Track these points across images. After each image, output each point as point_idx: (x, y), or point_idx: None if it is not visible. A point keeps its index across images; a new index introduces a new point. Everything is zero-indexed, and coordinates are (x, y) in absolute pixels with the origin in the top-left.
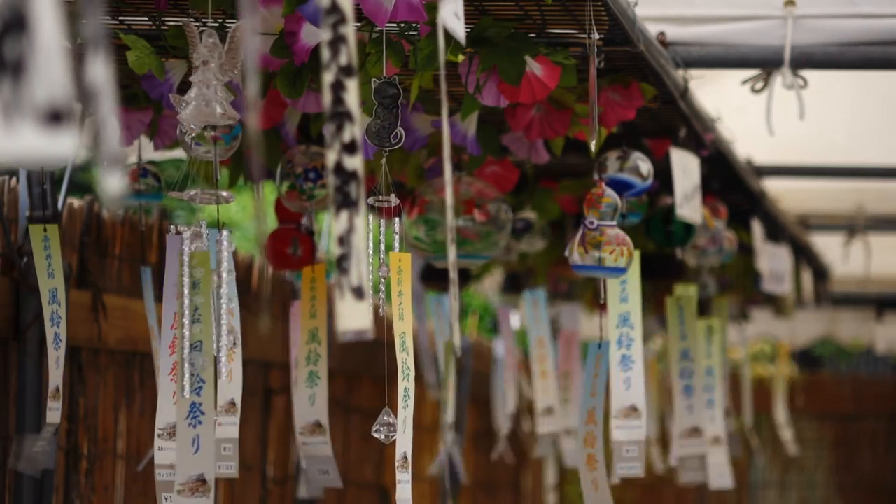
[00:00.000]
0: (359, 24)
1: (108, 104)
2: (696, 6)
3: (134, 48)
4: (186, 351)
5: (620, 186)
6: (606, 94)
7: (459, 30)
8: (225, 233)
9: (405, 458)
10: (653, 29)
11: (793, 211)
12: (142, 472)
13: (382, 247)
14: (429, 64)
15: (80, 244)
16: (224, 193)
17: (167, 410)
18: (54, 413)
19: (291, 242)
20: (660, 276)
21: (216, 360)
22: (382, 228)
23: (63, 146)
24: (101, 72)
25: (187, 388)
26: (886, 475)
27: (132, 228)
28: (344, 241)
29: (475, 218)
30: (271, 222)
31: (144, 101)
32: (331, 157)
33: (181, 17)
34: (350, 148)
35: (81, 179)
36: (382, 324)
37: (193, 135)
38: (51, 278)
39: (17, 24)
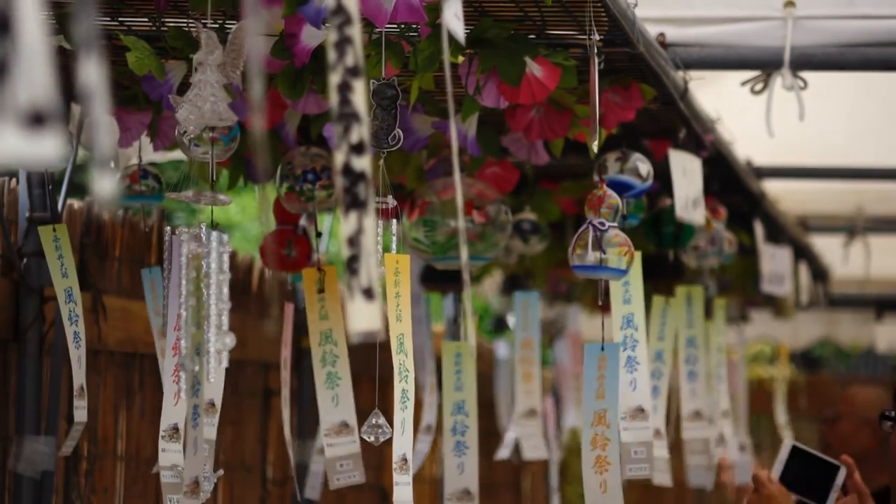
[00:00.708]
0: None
1: (101, 106)
2: (696, 7)
3: (134, 49)
4: (183, 353)
5: (620, 187)
6: (606, 95)
7: (459, 31)
8: (215, 233)
9: (404, 459)
10: (652, 30)
11: (792, 212)
12: (142, 473)
13: (380, 248)
14: (429, 65)
15: (80, 245)
16: (221, 196)
17: (170, 412)
18: (81, 412)
19: (287, 244)
20: (659, 277)
21: (205, 362)
22: (380, 230)
23: (46, 148)
24: (94, 73)
25: (186, 389)
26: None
27: (132, 230)
28: (353, 242)
29: (475, 219)
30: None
31: (144, 103)
32: (339, 158)
33: (181, 19)
34: (358, 149)
35: (81, 180)
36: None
37: (192, 136)
38: (65, 278)
39: (0, 25)
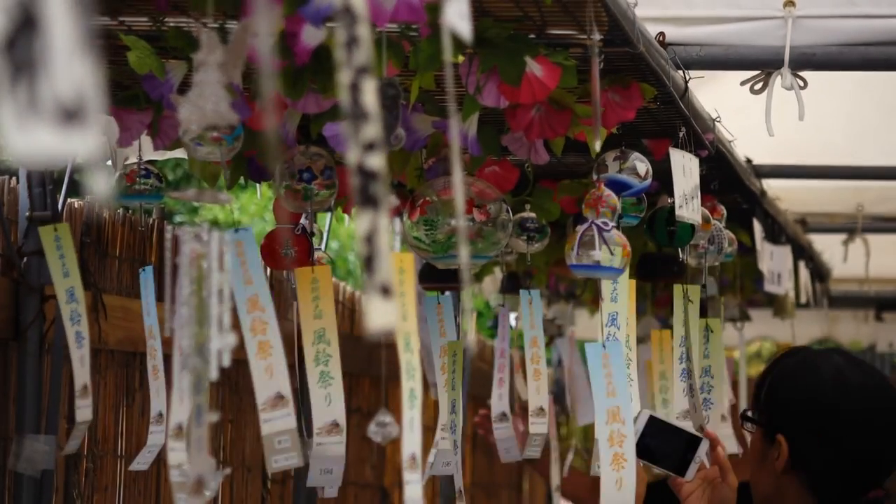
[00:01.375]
0: None
1: (99, 104)
2: (696, 7)
3: (134, 49)
4: (187, 352)
5: (619, 187)
6: (606, 94)
7: (465, 30)
8: (215, 233)
9: (413, 458)
10: (652, 29)
11: (792, 211)
12: (142, 472)
13: None
14: (430, 65)
15: (80, 244)
16: (222, 194)
17: (177, 410)
18: (84, 411)
19: (284, 243)
20: (660, 276)
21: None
22: None
23: (78, 145)
24: (91, 72)
25: (189, 387)
26: None
27: (132, 229)
28: (369, 241)
29: (475, 218)
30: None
31: (145, 102)
32: (351, 158)
33: (181, 18)
34: (370, 148)
35: (81, 179)
36: None
37: (193, 136)
38: (66, 277)
39: (29, 22)
